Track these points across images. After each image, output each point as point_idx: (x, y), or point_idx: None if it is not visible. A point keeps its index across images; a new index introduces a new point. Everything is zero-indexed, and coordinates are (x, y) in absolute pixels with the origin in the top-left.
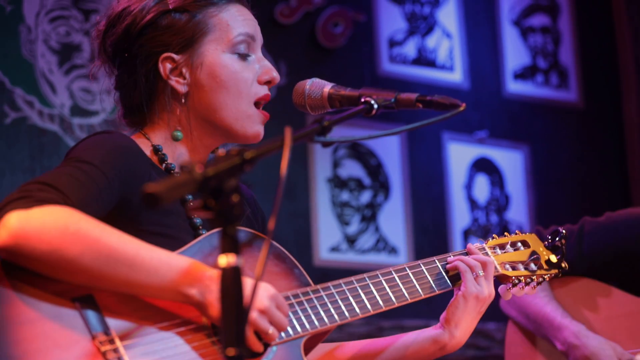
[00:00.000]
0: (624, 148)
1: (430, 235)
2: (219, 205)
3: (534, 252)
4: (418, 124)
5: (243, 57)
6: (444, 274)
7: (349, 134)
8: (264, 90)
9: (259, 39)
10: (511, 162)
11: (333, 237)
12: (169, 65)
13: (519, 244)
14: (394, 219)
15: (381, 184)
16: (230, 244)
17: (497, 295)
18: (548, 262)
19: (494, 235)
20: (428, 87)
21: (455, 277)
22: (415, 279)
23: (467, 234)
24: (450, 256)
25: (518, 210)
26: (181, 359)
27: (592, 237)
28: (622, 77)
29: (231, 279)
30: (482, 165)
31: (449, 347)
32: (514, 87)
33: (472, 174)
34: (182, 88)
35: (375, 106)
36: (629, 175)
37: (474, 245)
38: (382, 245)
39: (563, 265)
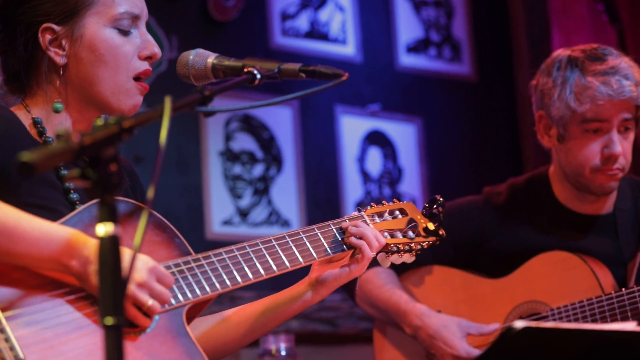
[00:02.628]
0: (517, 122)
1: (323, 208)
2: (97, 174)
3: (411, 220)
4: (298, 94)
5: (124, 32)
6: (340, 239)
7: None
8: (144, 66)
9: (144, 16)
10: (404, 135)
11: (225, 210)
12: (48, 36)
13: (397, 212)
14: (287, 192)
15: (274, 157)
16: (108, 213)
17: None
18: (426, 229)
19: (372, 203)
20: (321, 61)
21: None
22: (296, 246)
23: (359, 207)
24: (345, 220)
25: (411, 183)
26: (65, 328)
27: None
28: (515, 51)
29: (109, 248)
30: (375, 139)
31: (313, 303)
32: (407, 60)
33: (364, 147)
34: (60, 60)
35: (258, 76)
36: (521, 148)
37: (353, 214)
38: (275, 218)
39: (440, 232)
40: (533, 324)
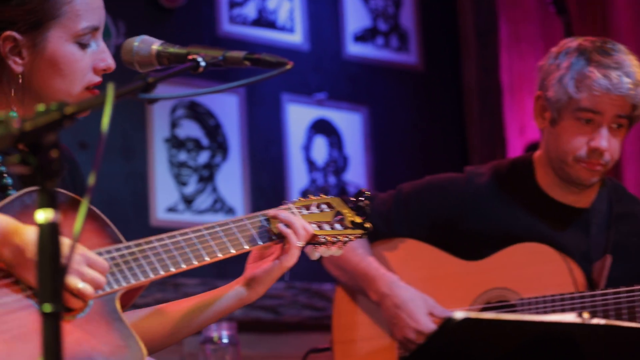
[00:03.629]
0: (463, 111)
1: (268, 196)
2: (37, 161)
3: (338, 213)
4: (242, 82)
5: (84, 46)
6: (268, 228)
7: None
8: (97, 78)
9: (103, 26)
10: (350, 124)
11: (170, 197)
12: (9, 44)
13: (324, 206)
14: (232, 179)
15: (219, 145)
16: (48, 200)
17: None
18: (353, 222)
19: (299, 197)
20: (268, 49)
21: (280, 233)
22: (226, 235)
23: (304, 195)
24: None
25: (356, 172)
26: (6, 308)
27: (410, 200)
28: (462, 42)
29: (48, 236)
30: (321, 127)
31: (251, 301)
32: (354, 49)
33: (310, 135)
34: (18, 68)
35: (203, 63)
36: (467, 138)
37: (281, 206)
38: (220, 205)
39: (367, 225)
40: (473, 314)
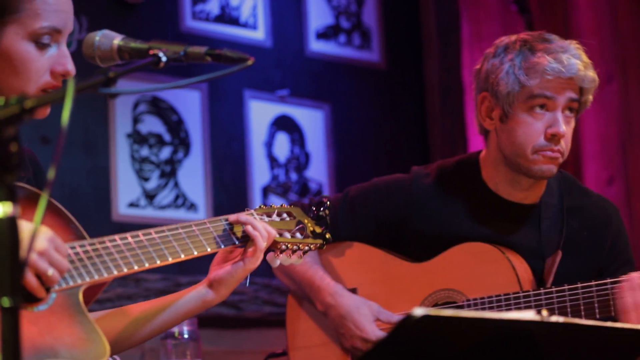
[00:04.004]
0: (424, 110)
1: (230, 192)
2: None
3: (299, 222)
4: (202, 77)
5: (42, 46)
6: (230, 231)
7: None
8: (55, 82)
9: (68, 29)
10: (312, 120)
11: (132, 192)
12: None
13: (285, 215)
14: (194, 175)
15: (181, 141)
16: (7, 194)
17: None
18: (313, 232)
19: (261, 204)
20: (231, 45)
21: (243, 238)
22: (188, 237)
23: (266, 191)
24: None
25: (318, 169)
26: None
27: (356, 203)
28: (424, 41)
29: (7, 229)
30: (283, 124)
31: (215, 303)
32: (317, 46)
33: (272, 131)
34: None
35: (164, 59)
36: (428, 136)
37: (245, 211)
38: (182, 201)
39: (327, 236)
40: (432, 311)
